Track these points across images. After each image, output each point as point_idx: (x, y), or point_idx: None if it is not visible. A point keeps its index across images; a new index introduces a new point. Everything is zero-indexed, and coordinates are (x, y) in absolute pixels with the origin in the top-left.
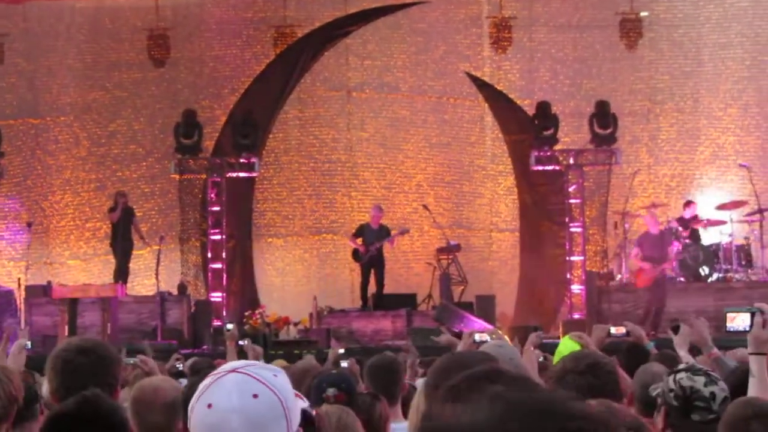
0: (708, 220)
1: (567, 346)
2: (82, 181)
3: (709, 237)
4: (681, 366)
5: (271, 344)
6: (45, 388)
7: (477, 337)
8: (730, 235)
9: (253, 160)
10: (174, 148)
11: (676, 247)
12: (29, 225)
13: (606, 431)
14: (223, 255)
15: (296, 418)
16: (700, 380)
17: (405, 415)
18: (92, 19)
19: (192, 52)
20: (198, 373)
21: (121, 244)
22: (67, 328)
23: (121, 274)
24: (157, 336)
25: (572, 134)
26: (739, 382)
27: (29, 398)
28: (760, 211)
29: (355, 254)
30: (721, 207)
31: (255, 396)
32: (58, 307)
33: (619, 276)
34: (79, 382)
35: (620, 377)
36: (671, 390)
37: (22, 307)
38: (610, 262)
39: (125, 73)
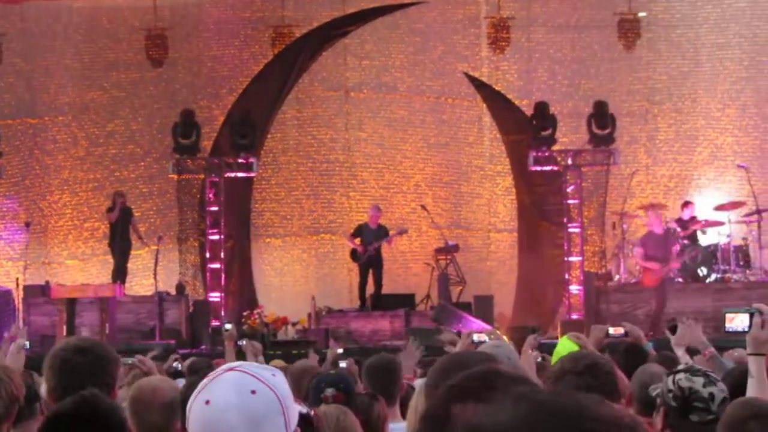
0: (706, 220)
1: (565, 346)
2: (80, 181)
3: (707, 238)
4: (680, 366)
5: (270, 344)
6: (43, 387)
7: (475, 337)
8: (728, 236)
9: (251, 160)
10: (172, 148)
11: (678, 248)
12: (27, 225)
13: None
14: (222, 255)
15: (294, 418)
16: (699, 381)
17: (403, 415)
18: (90, 19)
19: (190, 52)
20: (196, 373)
21: (120, 244)
22: (65, 328)
23: (120, 274)
24: (155, 336)
25: (570, 134)
26: (737, 382)
27: (29, 397)
28: (758, 211)
29: (354, 254)
30: (720, 208)
31: (253, 392)
32: (56, 307)
33: (617, 276)
34: (77, 381)
35: (618, 378)
36: (670, 390)
37: (21, 307)
38: (608, 262)
39: (123, 73)
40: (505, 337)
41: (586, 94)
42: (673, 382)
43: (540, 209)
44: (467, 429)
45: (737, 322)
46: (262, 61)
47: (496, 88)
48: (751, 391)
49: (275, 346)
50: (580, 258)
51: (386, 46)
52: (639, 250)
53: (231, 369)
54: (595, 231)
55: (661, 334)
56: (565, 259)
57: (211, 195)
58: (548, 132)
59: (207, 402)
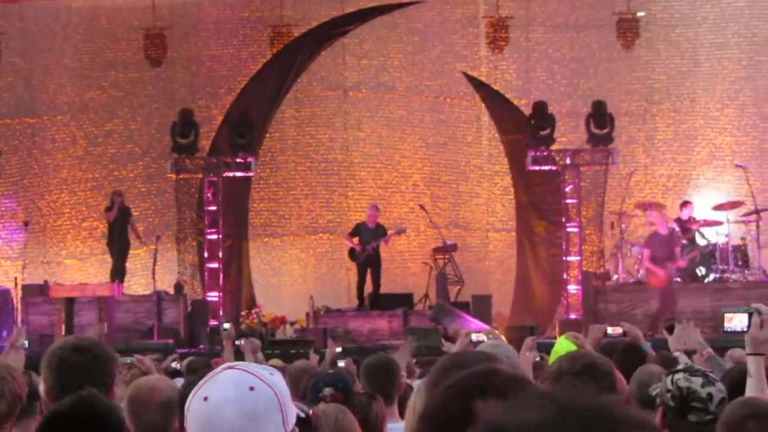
0: (705, 220)
1: (563, 346)
2: (78, 180)
3: (704, 237)
4: (679, 366)
5: (268, 344)
6: (42, 387)
7: (474, 337)
8: (727, 236)
9: (250, 159)
10: (170, 147)
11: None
12: (26, 224)
13: None
14: (220, 254)
15: (292, 416)
16: (698, 381)
17: (402, 415)
18: (89, 18)
19: (189, 52)
20: (195, 373)
21: (118, 244)
22: (63, 327)
23: (118, 273)
24: (153, 335)
25: (569, 134)
26: (736, 382)
27: (30, 395)
28: (757, 211)
29: (352, 253)
30: (718, 207)
31: (252, 389)
32: (54, 307)
33: (615, 276)
34: (75, 380)
35: (617, 378)
36: (668, 390)
37: (19, 306)
38: (606, 262)
39: (122, 72)
40: (503, 337)
41: (584, 93)
42: (672, 381)
43: (538, 209)
44: (490, 427)
45: (736, 321)
46: (261, 61)
47: (495, 88)
48: (750, 390)
49: (273, 346)
50: (578, 258)
51: (385, 46)
52: (645, 252)
53: (229, 368)
54: (593, 231)
55: (661, 334)
56: (564, 258)
57: (209, 194)
58: (547, 131)
59: (205, 399)
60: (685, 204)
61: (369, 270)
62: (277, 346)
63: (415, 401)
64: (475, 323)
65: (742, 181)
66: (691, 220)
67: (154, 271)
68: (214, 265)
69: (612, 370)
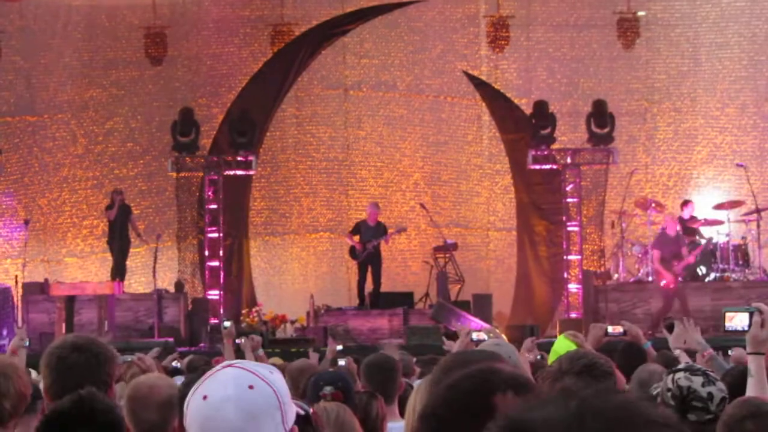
0: (705, 219)
1: (562, 345)
2: (79, 178)
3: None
4: (680, 366)
5: (268, 342)
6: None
7: (474, 335)
8: (727, 235)
9: (250, 158)
10: (171, 146)
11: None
12: (26, 222)
13: None
14: (220, 253)
15: (291, 415)
16: (698, 380)
17: (402, 414)
18: (89, 16)
19: (189, 50)
20: (195, 371)
21: (118, 242)
22: (64, 325)
23: (119, 271)
24: (154, 334)
25: (569, 133)
26: (737, 382)
27: (32, 393)
28: (757, 210)
29: (352, 252)
30: (719, 207)
31: (251, 387)
32: (55, 305)
33: (616, 275)
34: (74, 379)
35: (617, 378)
36: (669, 389)
37: (20, 304)
38: (607, 261)
39: (122, 71)
40: (503, 336)
41: (585, 93)
42: (673, 381)
43: (539, 208)
44: (511, 423)
45: (737, 321)
46: (262, 60)
47: (496, 87)
48: (751, 390)
49: (274, 345)
50: (578, 257)
51: (385, 45)
52: (656, 253)
53: (229, 366)
54: (594, 230)
55: (662, 334)
56: (564, 257)
57: (210, 193)
58: (547, 131)
59: (204, 398)
60: (685, 203)
61: (369, 268)
62: (277, 345)
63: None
64: (476, 322)
65: (742, 180)
66: (692, 219)
67: (154, 270)
68: (215, 263)
69: (612, 370)
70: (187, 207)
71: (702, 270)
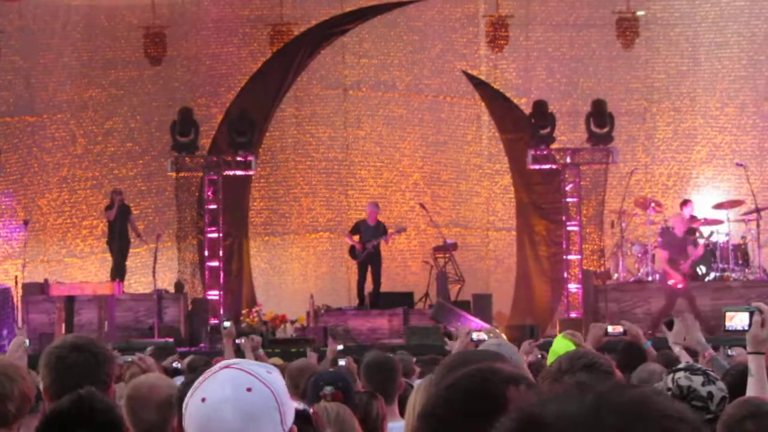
0: (705, 219)
1: (561, 345)
2: (78, 178)
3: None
4: (680, 365)
5: (268, 342)
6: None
7: (475, 336)
8: (727, 235)
9: (250, 158)
10: (170, 146)
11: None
12: (26, 223)
13: None
14: (220, 253)
15: (290, 415)
16: (698, 380)
17: (402, 413)
18: (88, 16)
19: (188, 50)
20: (195, 371)
21: (118, 242)
22: (64, 326)
23: (118, 272)
24: (154, 334)
25: (569, 133)
26: (737, 381)
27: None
28: (757, 210)
29: (352, 251)
30: (718, 206)
31: (249, 389)
32: (55, 305)
33: (616, 275)
34: (73, 379)
35: (616, 377)
36: (669, 389)
37: (19, 305)
38: (606, 261)
39: (121, 70)
40: (504, 336)
41: (584, 92)
42: (673, 380)
43: (538, 208)
44: (526, 417)
45: (737, 320)
46: (261, 59)
47: (495, 87)
48: (751, 389)
49: (274, 345)
50: (578, 256)
51: (385, 45)
52: (663, 254)
53: (227, 366)
54: (593, 229)
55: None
56: (564, 257)
57: (209, 193)
58: (547, 130)
59: (203, 400)
60: (685, 203)
61: (369, 268)
62: (277, 345)
63: (415, 400)
64: (476, 322)
65: (742, 180)
66: (692, 218)
67: (154, 270)
68: (215, 263)
69: (612, 369)
70: (187, 207)
71: (702, 270)
